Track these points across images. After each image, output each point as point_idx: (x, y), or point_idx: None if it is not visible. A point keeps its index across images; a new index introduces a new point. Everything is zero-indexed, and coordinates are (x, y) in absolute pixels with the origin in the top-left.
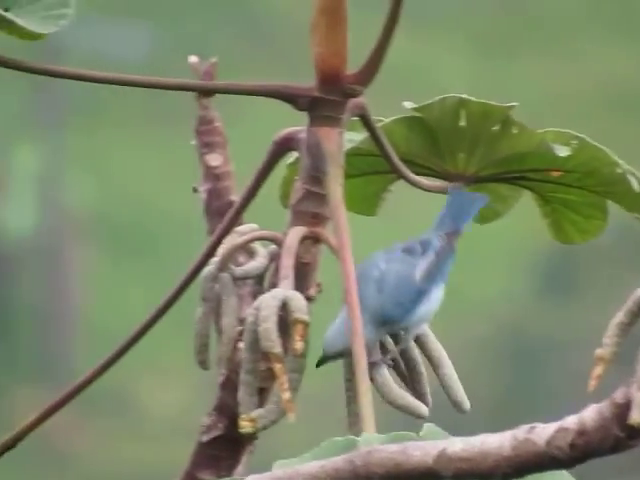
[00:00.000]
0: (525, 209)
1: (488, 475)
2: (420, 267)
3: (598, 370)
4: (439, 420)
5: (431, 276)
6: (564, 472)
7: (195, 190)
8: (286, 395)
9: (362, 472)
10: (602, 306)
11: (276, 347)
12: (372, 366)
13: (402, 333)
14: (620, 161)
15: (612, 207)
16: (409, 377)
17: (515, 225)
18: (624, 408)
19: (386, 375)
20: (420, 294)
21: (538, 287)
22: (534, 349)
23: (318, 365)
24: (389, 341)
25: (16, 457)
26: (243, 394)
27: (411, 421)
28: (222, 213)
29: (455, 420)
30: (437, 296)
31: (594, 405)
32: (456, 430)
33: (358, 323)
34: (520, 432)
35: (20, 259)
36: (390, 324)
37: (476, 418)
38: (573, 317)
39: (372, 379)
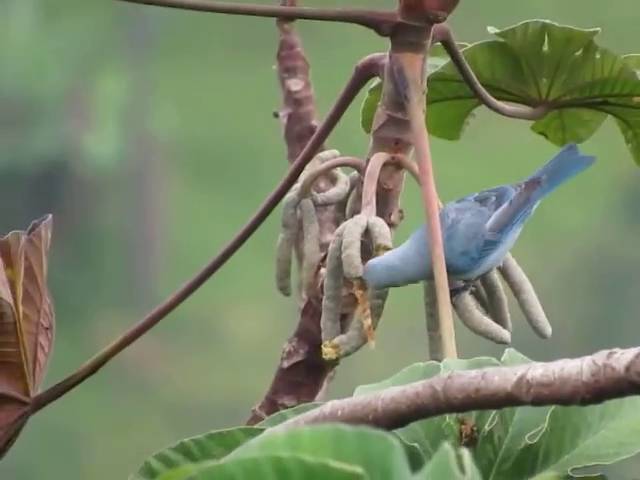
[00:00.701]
0: (608, 135)
1: (567, 400)
2: (491, 218)
3: None
4: (524, 348)
5: (502, 227)
6: None
7: (276, 115)
8: (368, 322)
9: (442, 397)
10: None
11: (359, 272)
12: (453, 293)
13: (470, 282)
14: None
15: None
16: (489, 303)
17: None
18: None
19: (468, 301)
20: (488, 245)
21: (622, 214)
22: (620, 276)
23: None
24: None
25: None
26: (325, 320)
27: (494, 349)
28: (302, 138)
29: (540, 348)
30: (508, 244)
31: None
32: (541, 359)
33: (440, 248)
34: (599, 357)
35: (105, 187)
36: (455, 274)
37: (561, 346)
38: None
39: (454, 306)
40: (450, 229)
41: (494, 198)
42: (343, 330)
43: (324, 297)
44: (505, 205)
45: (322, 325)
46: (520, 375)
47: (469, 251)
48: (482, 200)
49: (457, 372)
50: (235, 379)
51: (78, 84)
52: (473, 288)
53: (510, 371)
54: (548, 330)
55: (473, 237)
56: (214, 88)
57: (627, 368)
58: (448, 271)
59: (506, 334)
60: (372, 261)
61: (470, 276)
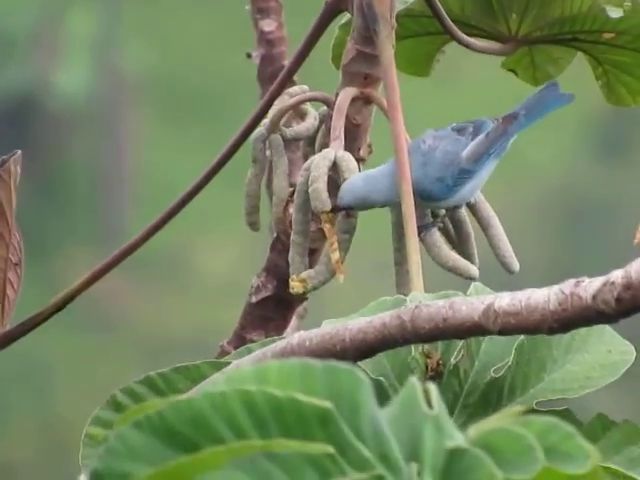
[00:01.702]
0: (578, 72)
1: (534, 329)
2: (468, 147)
3: None
4: (492, 284)
5: (478, 157)
6: (610, 329)
7: (249, 55)
8: (336, 255)
9: (409, 327)
10: None
11: (326, 207)
12: (422, 228)
13: (442, 211)
14: None
15: None
16: (456, 238)
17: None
18: None
19: (436, 237)
20: (463, 173)
21: (592, 151)
22: (590, 212)
23: (331, 211)
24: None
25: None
26: (294, 255)
27: (460, 285)
28: (275, 79)
29: (508, 286)
30: (483, 176)
31: None
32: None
33: (408, 183)
34: (566, 286)
35: (75, 122)
36: (428, 200)
37: (529, 281)
38: (627, 179)
39: (422, 241)
40: (426, 155)
41: (471, 129)
42: (311, 265)
43: (292, 232)
44: (482, 136)
45: (290, 260)
46: (487, 304)
47: (444, 178)
48: (459, 130)
49: (425, 303)
50: (205, 314)
51: (47, 18)
52: (441, 224)
53: (477, 301)
54: (515, 265)
55: (449, 164)
56: (186, 23)
57: (594, 296)
58: (422, 197)
59: (474, 269)
60: (343, 185)
61: (444, 204)
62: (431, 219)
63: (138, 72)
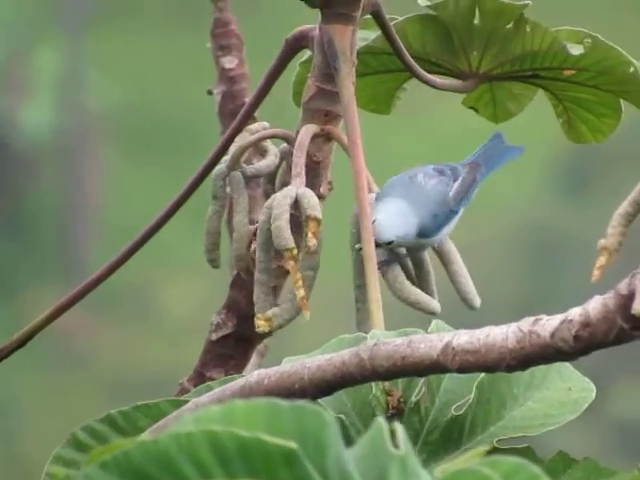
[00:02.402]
0: (540, 110)
1: (493, 367)
2: (453, 189)
3: (602, 260)
4: (454, 321)
5: (460, 199)
6: (569, 366)
7: (210, 92)
8: (301, 293)
9: (368, 365)
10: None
11: (289, 244)
12: (384, 264)
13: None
14: (633, 60)
15: (625, 106)
16: (416, 276)
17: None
18: (628, 299)
19: (398, 272)
20: (451, 214)
21: (556, 187)
22: (553, 249)
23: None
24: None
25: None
26: (258, 293)
27: (421, 322)
28: (236, 115)
29: (472, 322)
30: (457, 219)
31: (598, 296)
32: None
33: (368, 220)
34: (524, 324)
35: (39, 159)
36: (423, 236)
37: (493, 317)
38: (589, 216)
39: (383, 276)
40: (423, 192)
41: (449, 171)
42: (274, 302)
43: (256, 270)
44: (459, 180)
45: (255, 298)
46: (446, 342)
47: (438, 216)
48: (440, 172)
49: (383, 340)
50: (167, 352)
51: (12, 54)
52: (400, 259)
53: (436, 338)
54: (477, 301)
55: (442, 203)
56: (150, 59)
57: (552, 334)
58: (420, 234)
59: (436, 304)
60: (378, 219)
61: (430, 242)
62: (392, 256)
63: (103, 108)
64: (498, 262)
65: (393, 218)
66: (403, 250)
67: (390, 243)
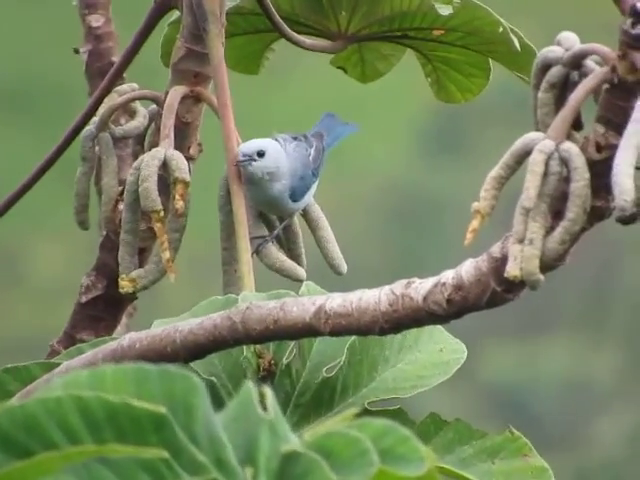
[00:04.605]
0: (410, 70)
1: (366, 330)
2: (311, 153)
3: (475, 224)
4: (324, 284)
5: (317, 164)
6: (441, 328)
7: (76, 51)
8: (166, 255)
9: (240, 328)
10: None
11: (156, 206)
12: (257, 241)
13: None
14: (502, 20)
15: (494, 66)
16: (284, 238)
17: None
18: (500, 262)
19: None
20: (314, 177)
21: (424, 148)
22: (422, 211)
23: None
24: (273, 218)
25: None
26: (123, 254)
27: (293, 284)
28: (103, 74)
29: (341, 286)
30: (317, 183)
31: (471, 260)
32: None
33: (238, 183)
34: (397, 287)
35: None
36: (291, 198)
37: (363, 281)
38: (460, 178)
39: (257, 253)
40: (290, 155)
41: (303, 138)
42: (142, 264)
43: (122, 231)
44: (314, 146)
45: (119, 259)
46: (319, 305)
47: (305, 177)
48: (294, 137)
49: (256, 303)
50: (36, 314)
51: None
52: (274, 240)
53: (308, 301)
54: (343, 267)
55: (307, 165)
56: (13, 21)
57: (425, 298)
58: (291, 197)
59: (301, 271)
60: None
61: (297, 207)
62: (266, 232)
63: None
64: (367, 226)
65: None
66: (276, 222)
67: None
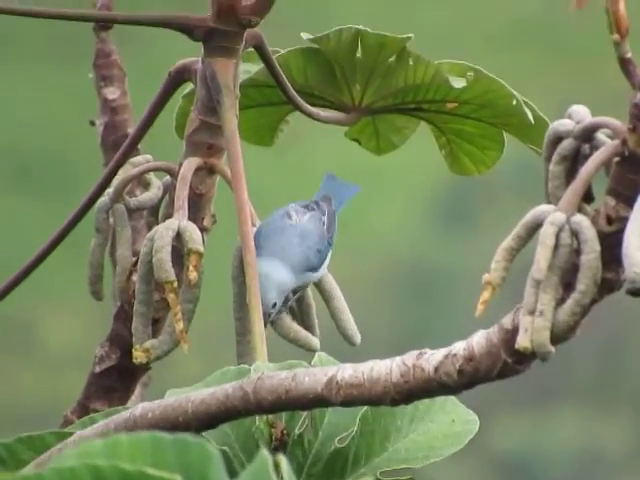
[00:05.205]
0: (423, 142)
1: (377, 401)
2: (325, 221)
3: (485, 295)
4: (336, 355)
5: (332, 231)
6: (453, 399)
7: (92, 123)
8: (180, 326)
9: (252, 399)
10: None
11: (170, 277)
12: (272, 314)
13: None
14: (515, 93)
15: (507, 139)
16: (297, 309)
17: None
18: (511, 333)
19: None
20: (328, 246)
21: (437, 221)
22: (434, 283)
23: (270, 323)
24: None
25: None
26: (137, 324)
27: (305, 355)
28: (118, 146)
29: (353, 356)
30: (330, 253)
31: (482, 331)
32: None
33: (252, 255)
34: (409, 358)
35: None
36: (309, 271)
37: (374, 352)
38: (472, 250)
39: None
40: (298, 229)
41: (315, 206)
42: (155, 335)
43: (135, 301)
44: (327, 213)
45: (133, 329)
46: (330, 376)
47: (321, 250)
48: (306, 207)
49: (267, 374)
50: (49, 385)
51: None
52: (289, 306)
53: (320, 372)
54: (357, 338)
55: (321, 237)
56: (31, 92)
57: (436, 369)
58: (303, 269)
59: (315, 341)
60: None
61: (316, 277)
62: (279, 304)
63: None
64: (378, 298)
65: (267, 285)
66: (291, 296)
67: (274, 306)
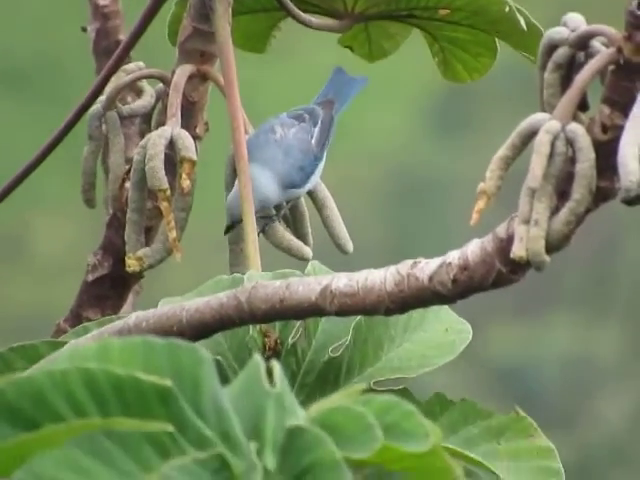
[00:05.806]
0: (417, 51)
1: (371, 310)
2: (314, 135)
3: (480, 204)
4: (329, 264)
5: (322, 144)
6: (447, 308)
7: (84, 29)
8: (173, 234)
9: (246, 307)
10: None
11: (163, 185)
12: (264, 222)
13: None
14: (509, 0)
15: (501, 46)
16: (291, 217)
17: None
18: (506, 242)
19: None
20: (316, 160)
21: (429, 129)
22: (428, 191)
23: (227, 232)
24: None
25: None
26: (130, 233)
27: (298, 263)
28: (110, 52)
29: (346, 265)
30: (323, 163)
31: (476, 240)
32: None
33: (245, 161)
34: (403, 267)
35: None
36: (292, 188)
37: (367, 262)
38: (466, 158)
39: (263, 232)
40: (283, 145)
41: (308, 116)
42: (148, 243)
43: (128, 209)
44: (319, 125)
45: (126, 238)
46: (324, 285)
47: (305, 166)
48: (296, 117)
49: (261, 282)
50: (41, 293)
51: None
52: (282, 214)
53: (314, 281)
54: (349, 246)
55: (306, 152)
56: (21, 2)
57: (430, 278)
58: (288, 187)
59: (307, 250)
60: (228, 201)
61: (301, 192)
62: (273, 212)
63: None
64: (371, 206)
65: (237, 198)
66: (273, 211)
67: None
